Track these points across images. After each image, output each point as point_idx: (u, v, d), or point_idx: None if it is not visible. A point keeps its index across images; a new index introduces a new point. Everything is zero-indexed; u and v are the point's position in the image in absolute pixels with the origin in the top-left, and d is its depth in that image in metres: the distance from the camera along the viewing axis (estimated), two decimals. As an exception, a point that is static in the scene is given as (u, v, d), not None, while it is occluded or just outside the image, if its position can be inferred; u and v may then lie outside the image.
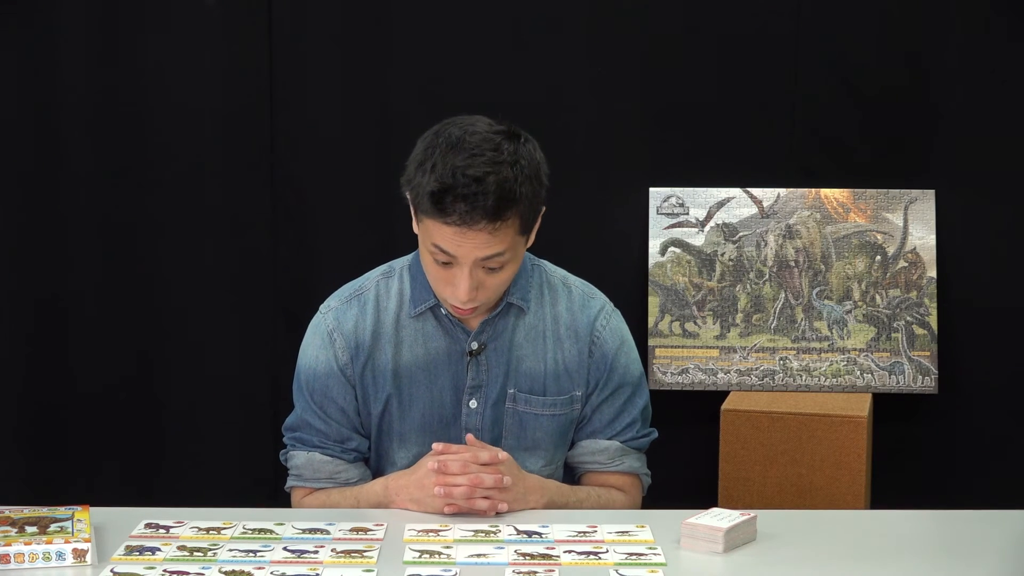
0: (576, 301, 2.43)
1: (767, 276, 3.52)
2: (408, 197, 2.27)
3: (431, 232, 2.22)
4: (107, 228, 3.56)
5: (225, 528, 2.14)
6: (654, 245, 3.54)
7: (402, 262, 2.43)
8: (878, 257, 3.51)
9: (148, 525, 2.15)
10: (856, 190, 3.52)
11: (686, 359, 3.51)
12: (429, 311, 2.37)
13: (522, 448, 2.38)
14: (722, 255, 3.53)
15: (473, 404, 2.37)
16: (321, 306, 2.42)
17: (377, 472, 2.43)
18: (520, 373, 2.38)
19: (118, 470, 3.59)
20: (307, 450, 2.39)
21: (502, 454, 2.26)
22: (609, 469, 2.43)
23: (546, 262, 2.46)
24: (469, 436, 2.31)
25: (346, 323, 2.37)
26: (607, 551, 2.06)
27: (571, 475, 2.47)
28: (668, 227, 3.54)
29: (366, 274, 2.44)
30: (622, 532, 2.15)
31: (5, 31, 3.51)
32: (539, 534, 2.14)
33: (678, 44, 3.55)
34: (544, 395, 2.39)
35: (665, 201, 3.55)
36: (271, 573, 1.95)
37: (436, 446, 2.27)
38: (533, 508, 2.27)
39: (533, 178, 2.23)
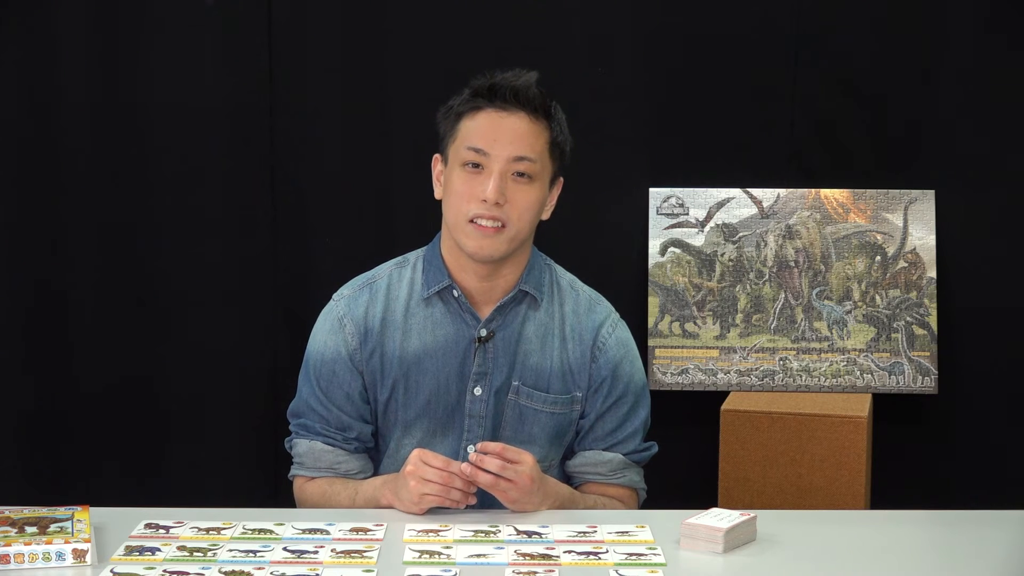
0: (582, 304, 2.45)
1: (767, 276, 3.52)
2: (441, 133, 2.39)
3: (467, 135, 2.33)
4: (107, 228, 3.56)
5: (225, 528, 2.14)
6: (654, 245, 3.54)
7: (416, 253, 2.47)
8: (878, 257, 3.51)
9: (148, 525, 2.15)
10: (856, 190, 3.52)
11: (686, 359, 3.51)
12: (439, 296, 2.39)
13: (518, 441, 2.39)
14: (722, 255, 3.53)
15: (478, 391, 2.39)
16: (334, 294, 2.45)
17: (379, 463, 2.44)
18: (527, 368, 2.40)
19: (118, 470, 3.59)
20: (310, 438, 2.41)
21: (527, 457, 2.24)
22: (610, 481, 2.45)
23: (556, 264, 2.48)
24: (474, 453, 2.27)
25: (357, 310, 2.40)
26: (607, 551, 2.06)
27: (569, 485, 2.46)
28: (668, 227, 3.54)
29: (380, 265, 2.48)
30: (622, 532, 2.15)
31: (5, 31, 3.51)
32: (539, 534, 2.14)
33: (678, 44, 3.55)
34: (547, 392, 2.40)
35: (665, 201, 3.55)
36: (271, 573, 1.95)
37: (416, 452, 2.25)
38: (548, 510, 2.28)
39: (563, 120, 2.39)
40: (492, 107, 2.33)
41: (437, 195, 2.42)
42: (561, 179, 2.42)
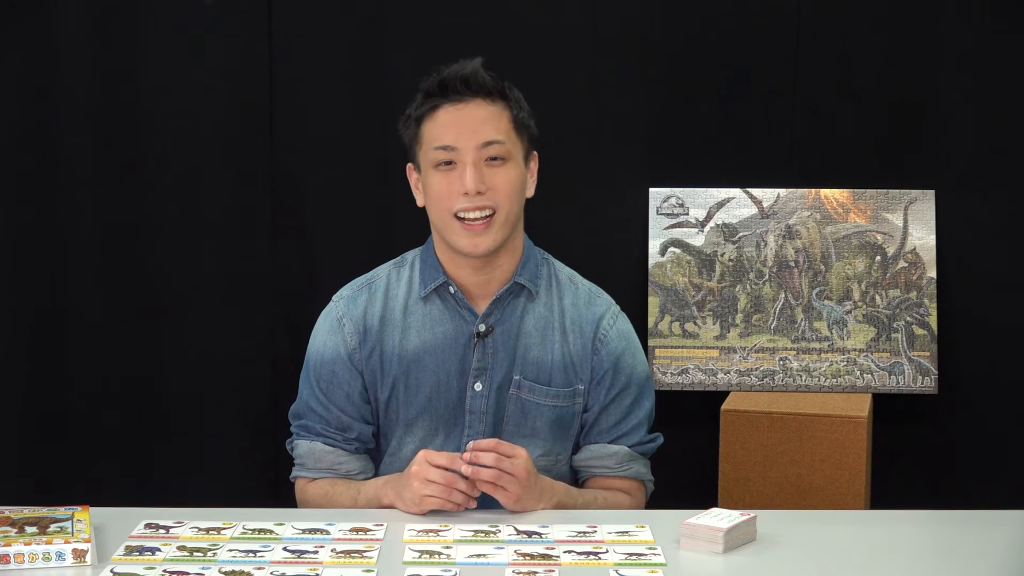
0: (582, 298, 2.45)
1: (767, 276, 3.52)
2: (407, 142, 2.41)
3: (432, 136, 2.35)
4: (107, 228, 3.56)
5: (225, 528, 2.14)
6: (654, 245, 3.54)
7: (414, 252, 2.48)
8: (878, 257, 3.51)
9: (148, 525, 2.15)
10: (856, 190, 3.52)
11: (686, 359, 3.51)
12: (436, 294, 2.40)
13: (521, 435, 2.39)
14: (722, 255, 3.53)
15: (478, 387, 2.39)
16: (334, 295, 2.47)
17: (380, 463, 2.43)
18: (527, 361, 2.40)
19: (118, 470, 3.59)
20: (310, 439, 2.42)
21: (520, 451, 2.24)
22: (616, 474, 2.44)
23: (555, 259, 2.48)
24: (468, 452, 2.26)
25: (356, 310, 2.42)
26: (607, 551, 2.06)
27: (576, 478, 2.47)
28: (668, 227, 3.54)
29: (380, 266, 2.48)
30: (622, 532, 2.15)
31: (5, 31, 3.51)
32: (539, 534, 2.14)
33: (678, 44, 3.55)
34: (549, 385, 2.41)
35: (665, 201, 3.55)
36: (271, 573, 1.95)
37: (421, 452, 2.25)
38: (544, 509, 2.27)
39: (521, 97, 2.39)
40: (448, 102, 2.34)
41: (419, 203, 2.43)
42: (536, 154, 2.43)
